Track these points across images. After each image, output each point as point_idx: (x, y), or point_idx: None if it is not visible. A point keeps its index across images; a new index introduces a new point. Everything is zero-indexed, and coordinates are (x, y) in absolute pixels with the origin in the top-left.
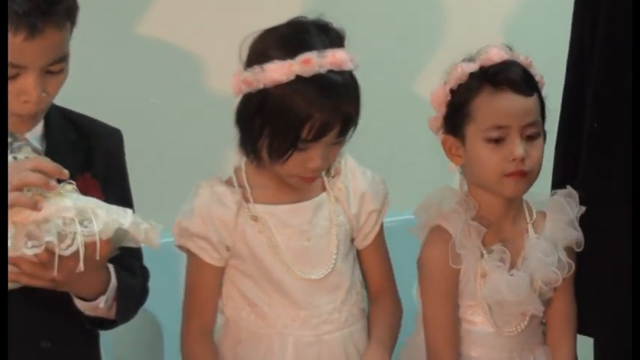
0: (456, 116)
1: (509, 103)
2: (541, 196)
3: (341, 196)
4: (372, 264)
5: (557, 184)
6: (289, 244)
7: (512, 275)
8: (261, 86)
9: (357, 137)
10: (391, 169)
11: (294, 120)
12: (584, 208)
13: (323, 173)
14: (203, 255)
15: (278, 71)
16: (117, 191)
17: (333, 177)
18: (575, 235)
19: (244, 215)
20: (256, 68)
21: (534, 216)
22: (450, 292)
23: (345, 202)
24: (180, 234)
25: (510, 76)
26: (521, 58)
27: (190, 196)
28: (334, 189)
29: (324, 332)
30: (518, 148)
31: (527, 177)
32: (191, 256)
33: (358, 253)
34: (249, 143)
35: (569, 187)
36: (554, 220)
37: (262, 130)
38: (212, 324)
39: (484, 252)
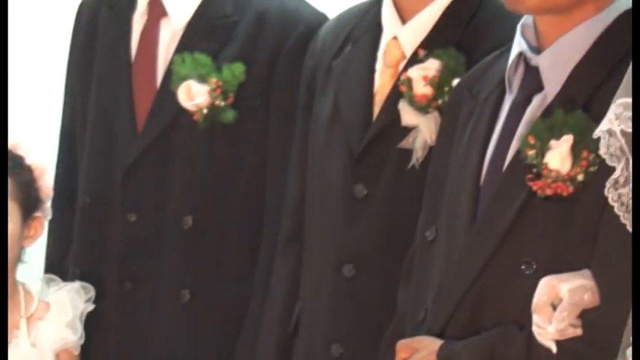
0: None
1: None
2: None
3: None
4: None
5: (51, 263)
6: None
7: None
8: None
9: None
10: None
11: None
12: (92, 306)
13: None
14: None
15: None
16: None
17: None
18: (73, 339)
19: None
20: None
21: (33, 308)
22: None
23: None
24: None
25: None
26: None
27: None
28: None
29: None
30: None
31: None
32: None
33: None
34: None
35: (77, 282)
36: (50, 320)
37: None
38: None
39: None
